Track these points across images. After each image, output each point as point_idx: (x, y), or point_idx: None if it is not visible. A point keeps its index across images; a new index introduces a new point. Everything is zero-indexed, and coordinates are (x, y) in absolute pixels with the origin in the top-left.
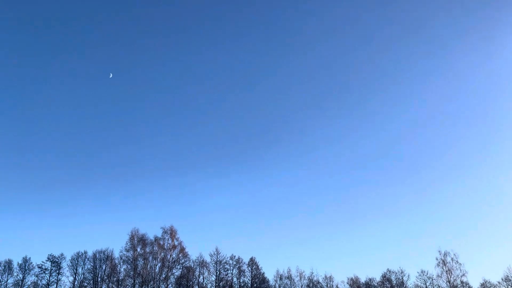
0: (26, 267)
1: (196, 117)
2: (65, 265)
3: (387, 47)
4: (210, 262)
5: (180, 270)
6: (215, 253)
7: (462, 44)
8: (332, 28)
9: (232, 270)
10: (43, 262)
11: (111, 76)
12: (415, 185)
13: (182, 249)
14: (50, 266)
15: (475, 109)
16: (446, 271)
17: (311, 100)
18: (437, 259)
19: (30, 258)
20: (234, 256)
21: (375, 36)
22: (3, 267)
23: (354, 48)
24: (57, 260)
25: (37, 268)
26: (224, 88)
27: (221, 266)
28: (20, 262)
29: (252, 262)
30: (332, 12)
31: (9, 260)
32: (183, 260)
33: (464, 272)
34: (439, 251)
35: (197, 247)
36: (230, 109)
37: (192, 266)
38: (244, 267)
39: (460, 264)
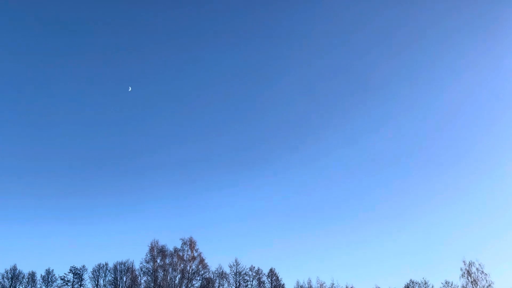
0: (49, 279)
1: (209, 125)
2: (86, 276)
3: (402, 48)
4: (230, 273)
5: (200, 282)
6: (235, 264)
7: (477, 44)
8: (347, 28)
9: (252, 281)
10: (65, 274)
11: (130, 89)
12: (437, 190)
13: (202, 260)
14: (72, 278)
15: (500, 106)
16: (471, 282)
17: (326, 102)
18: (461, 269)
19: (53, 270)
20: (254, 267)
21: (389, 38)
22: (27, 279)
23: (369, 50)
24: (79, 272)
25: (59, 280)
26: (235, 93)
27: (240, 278)
28: (43, 274)
29: (272, 273)
30: (348, 11)
31: (32, 272)
32: (202, 272)
33: (490, 282)
34: (464, 261)
35: (216, 258)
36: (243, 114)
37: (212, 277)
38: (264, 278)
39: (485, 274)
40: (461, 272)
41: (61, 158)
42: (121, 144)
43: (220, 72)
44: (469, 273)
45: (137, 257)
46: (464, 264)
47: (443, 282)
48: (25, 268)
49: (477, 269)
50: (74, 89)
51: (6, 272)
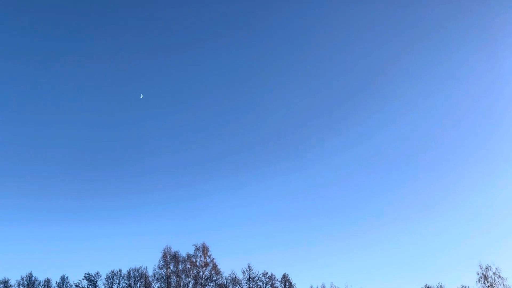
0: (64, 286)
1: (218, 127)
2: (101, 283)
3: (406, 48)
4: (243, 279)
5: None
6: (248, 270)
7: (481, 44)
8: (349, 30)
9: (265, 287)
10: (80, 280)
11: (141, 97)
12: (452, 191)
13: (215, 266)
14: (86, 285)
15: (508, 104)
16: (488, 287)
17: (331, 104)
18: (478, 273)
19: (68, 277)
20: (267, 273)
21: (392, 40)
22: (42, 286)
23: (372, 51)
24: (93, 279)
25: (74, 286)
26: (239, 94)
27: (253, 283)
28: (58, 281)
29: (285, 279)
30: (350, 13)
31: (47, 279)
32: (215, 277)
33: (508, 287)
34: (480, 265)
35: (229, 262)
36: (252, 115)
37: (225, 283)
38: (277, 283)
39: (503, 278)
40: (477, 277)
41: (75, 168)
42: (128, 147)
43: (222, 74)
44: (485, 277)
45: (150, 263)
46: (481, 268)
47: (459, 287)
48: (40, 275)
49: (494, 273)
50: (77, 90)
51: (22, 279)
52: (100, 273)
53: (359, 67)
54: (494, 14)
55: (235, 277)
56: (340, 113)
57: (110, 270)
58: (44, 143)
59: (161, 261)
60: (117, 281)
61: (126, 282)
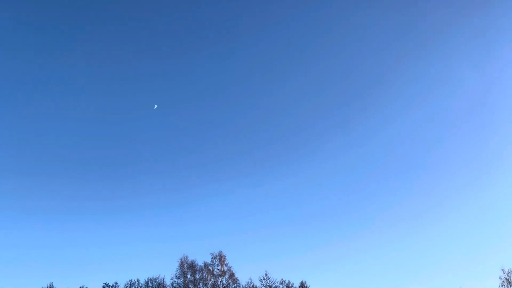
0: None
1: (224, 128)
2: None
3: (412, 47)
4: (260, 287)
5: None
6: (265, 277)
7: (487, 43)
8: (355, 30)
9: None
10: None
11: (155, 107)
12: (472, 192)
13: (232, 275)
14: None
15: None
16: None
17: (336, 103)
18: (500, 278)
19: (87, 287)
20: (284, 281)
21: (396, 40)
22: None
23: (376, 51)
24: None
25: None
26: (248, 95)
27: None
28: None
29: (303, 286)
30: (355, 14)
31: None
32: (233, 286)
33: None
34: (503, 270)
35: (245, 269)
36: (261, 115)
37: None
38: None
39: None
40: (500, 281)
41: (80, 165)
42: (141, 150)
43: (224, 76)
44: (509, 282)
45: (167, 271)
46: (503, 273)
47: None
48: (61, 286)
49: None
50: (76, 90)
51: None
52: (119, 283)
53: (362, 67)
54: (494, 15)
55: (253, 285)
56: (349, 114)
57: (128, 280)
58: (52, 143)
59: (178, 270)
60: None
61: None
